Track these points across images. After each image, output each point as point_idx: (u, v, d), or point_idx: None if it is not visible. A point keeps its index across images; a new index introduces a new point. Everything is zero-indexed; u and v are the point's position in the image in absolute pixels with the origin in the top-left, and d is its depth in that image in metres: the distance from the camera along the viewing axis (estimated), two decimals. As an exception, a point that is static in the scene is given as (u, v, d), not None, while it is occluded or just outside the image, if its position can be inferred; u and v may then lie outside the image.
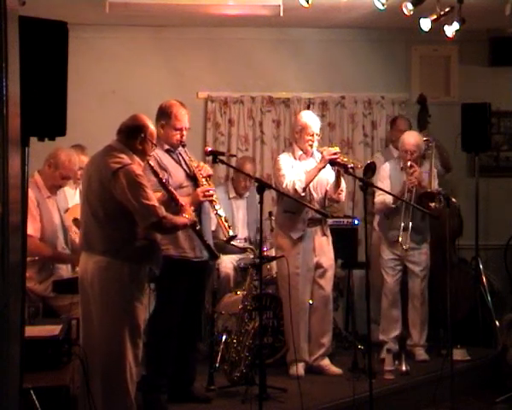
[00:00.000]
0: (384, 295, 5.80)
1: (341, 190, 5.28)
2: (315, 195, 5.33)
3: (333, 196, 5.32)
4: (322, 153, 5.21)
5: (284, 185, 5.15)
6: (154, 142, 4.03)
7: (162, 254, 4.04)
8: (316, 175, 5.20)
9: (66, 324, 3.85)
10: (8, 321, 1.89)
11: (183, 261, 4.44)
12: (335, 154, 5.10)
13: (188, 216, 4.04)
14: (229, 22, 6.79)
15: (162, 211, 3.81)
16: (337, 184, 5.24)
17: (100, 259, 3.80)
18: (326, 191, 5.35)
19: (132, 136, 3.92)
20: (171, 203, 4.08)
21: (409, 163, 5.61)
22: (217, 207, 4.50)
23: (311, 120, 5.32)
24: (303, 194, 5.15)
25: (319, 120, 5.43)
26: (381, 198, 5.64)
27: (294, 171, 5.25)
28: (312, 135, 5.28)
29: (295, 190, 5.12)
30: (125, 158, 3.83)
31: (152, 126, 4.01)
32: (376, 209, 5.73)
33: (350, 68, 7.18)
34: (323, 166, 5.17)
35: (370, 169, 4.89)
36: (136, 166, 3.86)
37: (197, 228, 4.25)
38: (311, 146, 5.30)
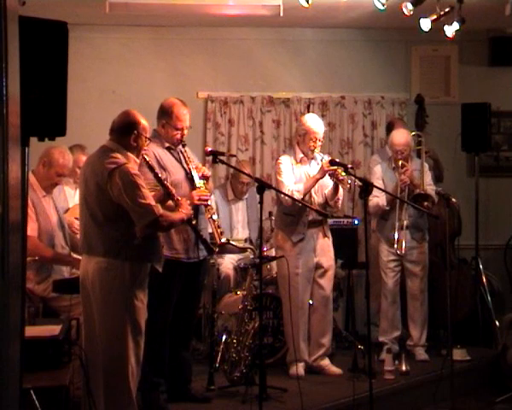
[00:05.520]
0: (383, 296, 5.80)
1: (338, 199, 5.28)
2: (316, 198, 5.32)
3: (329, 203, 5.33)
4: (321, 161, 5.20)
5: (283, 196, 5.15)
6: (148, 135, 4.01)
7: None
8: (313, 185, 5.21)
9: (66, 324, 3.84)
10: (8, 321, 1.89)
11: (174, 261, 4.43)
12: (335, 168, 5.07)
13: (184, 211, 4.03)
14: (229, 22, 6.79)
15: (159, 209, 3.79)
16: (335, 192, 5.24)
17: (100, 260, 3.80)
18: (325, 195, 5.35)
19: (125, 134, 3.89)
20: (168, 199, 4.08)
21: (400, 162, 5.62)
22: (211, 211, 4.51)
23: (315, 124, 5.29)
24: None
25: (323, 124, 5.41)
26: (375, 201, 5.63)
27: (294, 176, 5.24)
28: (315, 140, 5.27)
29: (293, 205, 5.12)
30: (120, 158, 3.82)
31: (143, 121, 3.97)
32: (371, 213, 5.68)
33: (350, 68, 7.18)
34: (321, 177, 5.17)
35: (367, 190, 4.82)
36: (132, 164, 3.85)
37: (193, 223, 4.25)
38: (313, 151, 5.28)
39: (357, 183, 4.83)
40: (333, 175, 5.10)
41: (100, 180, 3.79)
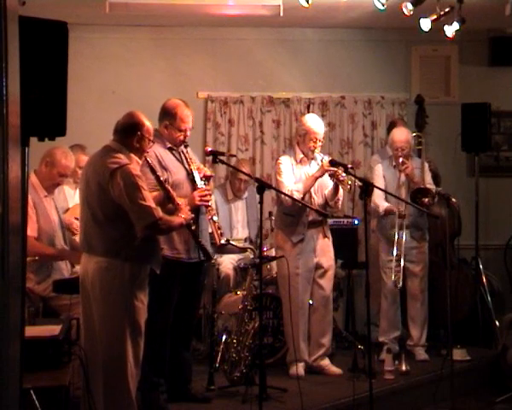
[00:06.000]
0: (383, 296, 5.80)
1: (338, 199, 5.28)
2: (316, 198, 5.31)
3: (329, 203, 5.33)
4: (321, 161, 5.20)
5: (283, 196, 5.16)
6: (151, 138, 4.01)
7: None
8: (313, 184, 5.21)
9: (66, 324, 3.84)
10: (8, 321, 1.89)
11: (176, 262, 4.43)
12: (335, 169, 5.07)
13: (184, 216, 4.03)
14: (229, 22, 6.79)
15: (158, 212, 3.80)
16: (335, 192, 5.23)
17: (100, 259, 3.80)
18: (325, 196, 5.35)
19: (129, 134, 3.90)
20: (168, 203, 4.08)
21: (400, 160, 5.62)
22: (212, 212, 4.51)
23: (315, 124, 5.27)
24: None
25: (323, 124, 5.38)
26: (376, 203, 5.64)
27: (294, 176, 5.24)
28: (316, 141, 5.25)
29: (293, 205, 5.13)
30: (122, 158, 3.82)
31: (147, 123, 3.98)
32: (370, 210, 5.69)
33: (350, 68, 7.19)
34: (320, 176, 5.17)
35: (367, 190, 4.86)
36: (134, 165, 3.85)
37: (192, 228, 4.25)
38: (313, 151, 5.27)
39: (358, 183, 4.82)
40: (333, 176, 5.10)
41: (101, 179, 3.79)
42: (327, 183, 5.29)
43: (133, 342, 3.79)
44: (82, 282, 3.90)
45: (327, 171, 5.11)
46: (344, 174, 4.99)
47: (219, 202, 6.33)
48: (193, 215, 4.20)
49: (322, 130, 5.30)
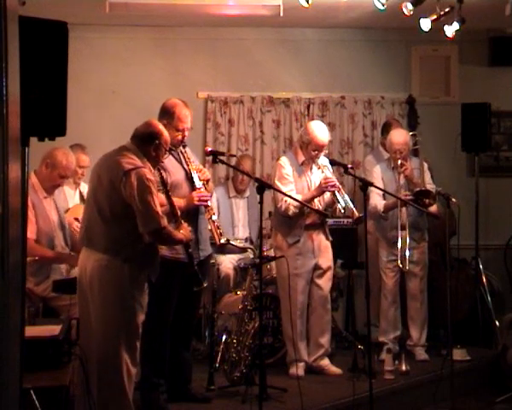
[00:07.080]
0: (383, 296, 5.79)
1: (336, 207, 5.28)
2: (315, 201, 5.31)
3: (328, 209, 5.34)
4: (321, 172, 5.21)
5: (279, 206, 5.18)
6: (167, 148, 4.04)
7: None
8: (311, 200, 5.19)
9: (66, 324, 3.84)
10: (8, 321, 1.89)
11: (175, 262, 4.43)
12: (333, 186, 5.08)
13: (184, 233, 4.05)
14: (229, 22, 6.79)
15: (164, 221, 3.83)
16: (333, 201, 5.22)
17: (101, 257, 3.80)
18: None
19: (147, 142, 3.94)
20: (172, 219, 4.09)
21: (399, 162, 5.62)
22: (211, 212, 4.52)
23: (320, 135, 5.21)
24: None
25: (328, 133, 5.34)
26: (374, 203, 5.63)
27: (294, 179, 5.23)
28: (318, 151, 5.24)
29: (288, 216, 5.16)
30: (137, 161, 3.85)
31: (166, 132, 4.03)
32: (369, 213, 5.66)
33: (350, 68, 7.18)
34: (318, 195, 5.18)
35: (360, 221, 4.91)
36: (148, 170, 3.88)
37: (189, 250, 4.26)
38: (314, 160, 5.27)
39: (354, 212, 4.92)
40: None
41: (114, 177, 3.81)
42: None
43: (129, 342, 3.79)
44: (80, 279, 3.91)
45: (325, 191, 5.12)
46: (342, 204, 5.01)
47: (221, 198, 6.36)
48: (193, 237, 4.24)
49: (326, 140, 5.26)
